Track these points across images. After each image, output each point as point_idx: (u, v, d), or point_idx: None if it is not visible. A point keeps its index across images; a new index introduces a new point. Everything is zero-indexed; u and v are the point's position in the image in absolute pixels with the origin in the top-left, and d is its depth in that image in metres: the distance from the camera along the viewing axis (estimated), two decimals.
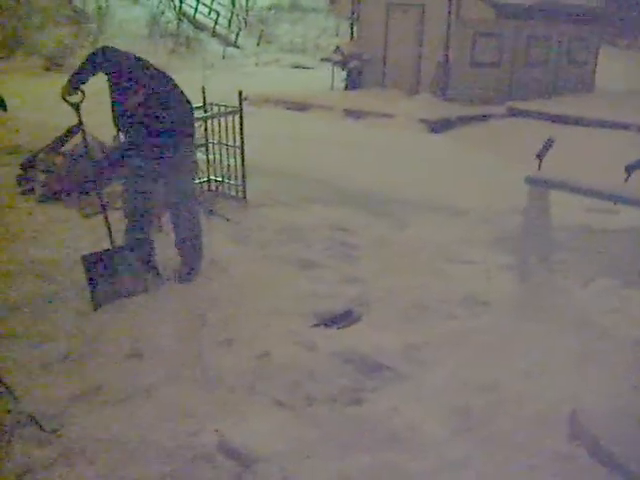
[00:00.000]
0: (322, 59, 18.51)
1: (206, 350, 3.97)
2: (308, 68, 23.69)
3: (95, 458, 3.05)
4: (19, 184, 7.39)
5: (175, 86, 4.74)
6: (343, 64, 16.67)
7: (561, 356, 3.94)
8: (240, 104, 6.75)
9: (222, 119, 6.93)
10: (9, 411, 3.40)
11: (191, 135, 4.92)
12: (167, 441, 3.13)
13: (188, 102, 4.83)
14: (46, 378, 3.71)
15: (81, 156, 6.89)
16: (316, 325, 4.45)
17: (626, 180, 4.40)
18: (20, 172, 7.49)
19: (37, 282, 4.96)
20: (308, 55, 25.57)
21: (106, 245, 4.85)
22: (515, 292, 4.93)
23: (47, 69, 19.54)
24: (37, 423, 3.31)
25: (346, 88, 16.89)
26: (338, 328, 4.41)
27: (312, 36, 27.69)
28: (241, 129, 6.83)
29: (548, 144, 4.73)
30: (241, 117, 6.77)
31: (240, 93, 6.72)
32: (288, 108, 15.02)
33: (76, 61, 21.14)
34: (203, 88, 6.96)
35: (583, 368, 3.82)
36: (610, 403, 3.41)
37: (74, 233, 5.99)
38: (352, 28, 17.44)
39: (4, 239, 5.95)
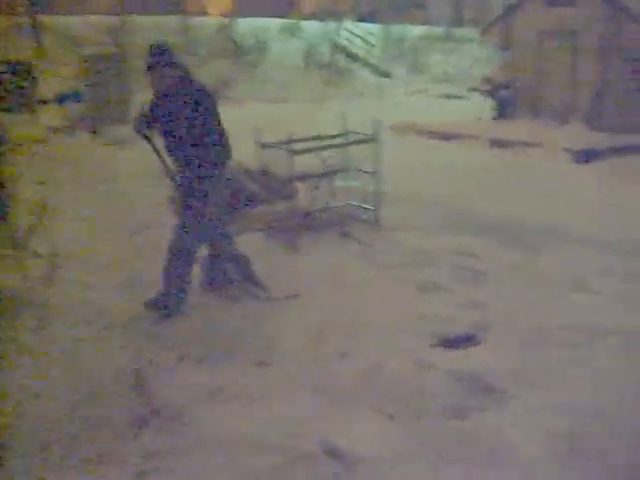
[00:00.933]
0: (470, 89, 18.50)
1: (322, 360, 4.22)
2: (458, 98, 23.65)
3: (213, 449, 3.38)
4: (172, 204, 8.03)
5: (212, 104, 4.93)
6: (492, 93, 16.59)
7: None
8: (377, 132, 7.01)
9: (360, 146, 7.23)
10: (143, 403, 3.83)
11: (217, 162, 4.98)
12: (276, 439, 3.40)
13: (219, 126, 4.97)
14: (178, 377, 4.12)
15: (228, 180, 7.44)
16: (434, 345, 4.59)
17: None
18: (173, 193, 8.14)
19: None
20: (459, 85, 25.49)
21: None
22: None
23: None
24: (165, 415, 3.70)
25: (495, 118, 16.77)
26: (455, 349, 4.52)
27: (464, 66, 27.60)
28: (377, 156, 7.09)
29: None
30: (377, 144, 7.03)
31: (377, 122, 6.99)
32: (433, 137, 15.11)
33: (233, 92, 22.48)
34: (343, 115, 7.30)
35: None
36: None
37: None
38: (502, 57, 17.32)
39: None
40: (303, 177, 7.06)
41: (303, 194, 7.43)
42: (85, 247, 6.58)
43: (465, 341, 4.64)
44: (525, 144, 13.34)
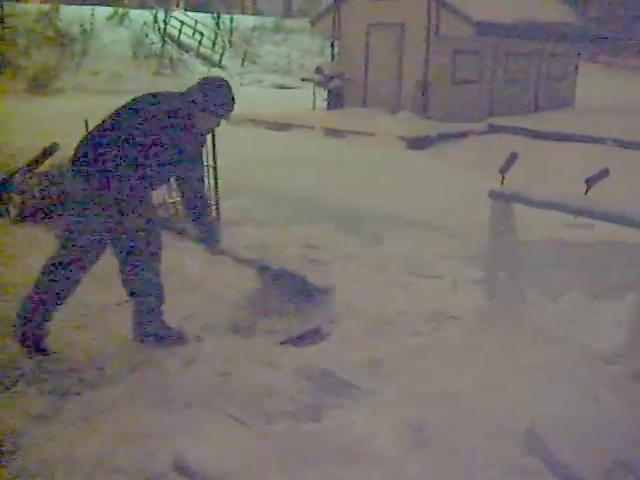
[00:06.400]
0: (303, 79, 18.62)
1: (169, 370, 3.97)
2: (291, 88, 23.85)
3: (53, 476, 3.05)
4: None
5: None
6: (324, 84, 16.79)
7: (523, 370, 3.96)
8: None
9: None
10: None
11: None
12: (124, 461, 3.13)
13: None
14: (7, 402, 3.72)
15: (54, 177, 6.96)
16: (282, 343, 4.46)
17: (586, 193, 4.44)
18: None
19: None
20: (292, 75, 25.74)
21: None
22: (482, 307, 4.94)
23: (31, 92, 19.56)
24: None
25: (328, 108, 17.01)
26: (304, 345, 4.42)
27: (296, 56, 27.93)
28: (214, 148, 6.87)
29: (511, 159, 4.78)
30: (213, 136, 6.80)
31: None
32: (269, 128, 15.10)
33: (60, 83, 21.25)
34: None
35: (544, 381, 3.83)
36: (568, 415, 3.43)
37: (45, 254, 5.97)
38: (333, 48, 17.61)
39: None
40: None
41: None
42: None
43: (314, 335, 4.56)
44: (360, 133, 13.63)
